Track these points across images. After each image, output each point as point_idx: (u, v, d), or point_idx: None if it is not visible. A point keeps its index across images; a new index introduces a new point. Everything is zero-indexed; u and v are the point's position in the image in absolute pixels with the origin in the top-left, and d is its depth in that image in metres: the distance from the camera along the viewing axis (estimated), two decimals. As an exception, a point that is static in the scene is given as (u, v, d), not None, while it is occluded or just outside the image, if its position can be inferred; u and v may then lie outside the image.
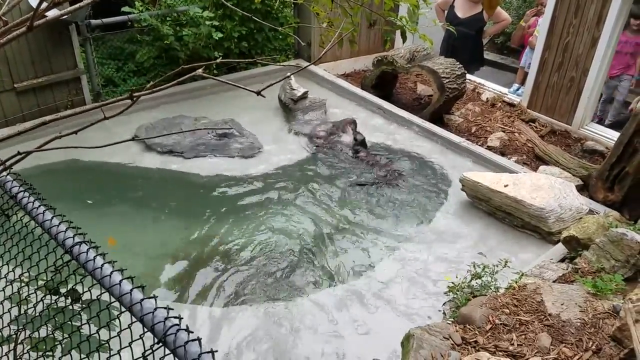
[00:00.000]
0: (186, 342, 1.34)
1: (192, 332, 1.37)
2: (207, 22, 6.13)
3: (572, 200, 4.67)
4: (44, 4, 1.90)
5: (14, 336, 1.93)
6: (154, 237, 4.57)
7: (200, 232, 4.64)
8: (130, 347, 1.50)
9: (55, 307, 1.80)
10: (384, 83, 7.17)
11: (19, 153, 1.82)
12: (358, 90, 7.10)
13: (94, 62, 6.15)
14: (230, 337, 3.63)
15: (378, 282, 4.18)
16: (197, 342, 1.34)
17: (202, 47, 6.33)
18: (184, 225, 4.71)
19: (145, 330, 1.44)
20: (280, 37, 7.42)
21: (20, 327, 1.94)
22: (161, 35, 6.18)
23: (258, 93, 1.72)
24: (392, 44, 7.54)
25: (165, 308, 1.44)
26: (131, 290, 1.52)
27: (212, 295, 3.99)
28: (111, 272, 1.58)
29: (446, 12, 7.32)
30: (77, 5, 2.11)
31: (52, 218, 1.86)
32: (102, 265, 1.61)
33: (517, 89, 7.13)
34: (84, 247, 1.69)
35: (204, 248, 4.45)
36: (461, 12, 7.17)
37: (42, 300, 1.85)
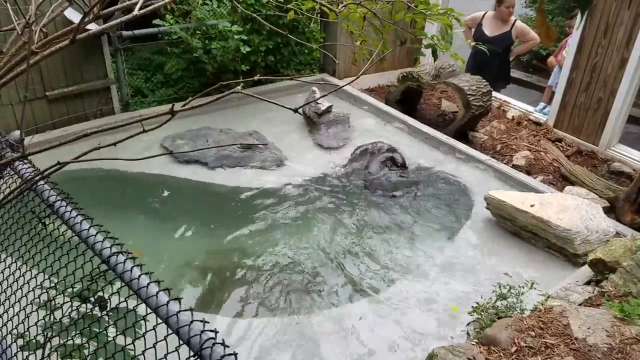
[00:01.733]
0: (222, 357, 1.35)
1: (229, 347, 1.38)
2: (236, 36, 6.21)
3: (598, 222, 4.61)
4: (86, 19, 1.96)
5: (47, 343, 1.96)
6: (178, 246, 4.61)
7: (223, 242, 4.67)
8: (166, 360, 1.52)
9: (90, 315, 1.83)
10: (408, 98, 7.18)
11: (58, 163, 1.86)
12: (382, 105, 7.12)
13: (124, 73, 6.26)
14: (253, 348, 3.63)
15: (401, 299, 4.15)
16: (233, 357, 1.35)
17: (229, 60, 6.42)
18: (207, 235, 4.75)
19: (181, 342, 1.46)
20: (306, 51, 7.49)
21: (52, 334, 1.97)
22: (190, 48, 6.28)
23: (295, 110, 1.74)
24: (419, 60, 7.56)
25: (201, 321, 1.45)
26: (168, 302, 1.53)
27: (234, 306, 4.01)
28: (148, 284, 1.60)
29: (474, 29, 7.33)
30: (118, 21, 2.17)
31: (89, 228, 1.89)
32: (139, 276, 1.63)
33: (544, 108, 7.08)
34: (122, 258, 1.72)
35: (226, 258, 4.48)
36: (489, 30, 7.19)
37: (77, 308, 1.87)
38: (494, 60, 7.19)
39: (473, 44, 6.58)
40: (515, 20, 7.26)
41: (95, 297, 1.97)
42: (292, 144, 6.27)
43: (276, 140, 6.23)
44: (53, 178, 2.24)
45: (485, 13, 7.32)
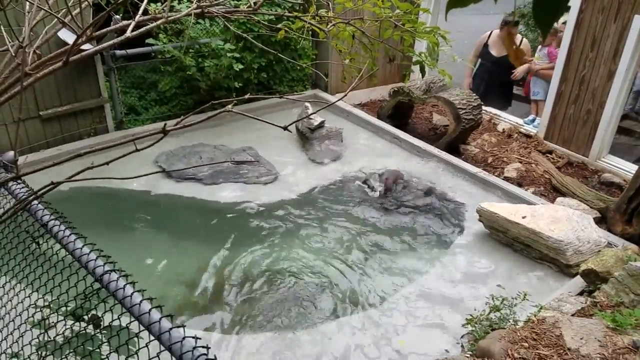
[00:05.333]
0: (214, 372, 1.37)
1: (220, 362, 1.40)
2: (229, 54, 6.28)
3: (590, 232, 4.65)
4: (79, 40, 1.99)
5: (41, 362, 1.97)
6: (172, 263, 4.61)
7: (218, 258, 4.68)
8: (158, 376, 1.53)
9: (84, 334, 1.84)
10: (400, 113, 7.25)
11: (51, 183, 1.89)
12: (374, 120, 7.18)
13: (118, 91, 6.31)
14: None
15: (394, 313, 4.17)
16: (225, 372, 1.37)
17: (222, 78, 6.48)
18: (201, 251, 4.75)
19: (174, 359, 1.48)
20: (298, 67, 7.56)
21: (47, 353, 1.98)
22: (183, 66, 6.33)
23: (285, 128, 1.77)
24: (408, 76, 7.67)
25: (193, 337, 1.47)
26: (160, 319, 1.55)
27: (229, 322, 4.01)
28: (141, 301, 1.62)
29: (480, 50, 7.57)
30: (111, 42, 2.21)
31: (82, 246, 1.91)
32: (132, 293, 1.65)
33: (533, 120, 7.17)
34: (114, 276, 1.74)
35: (221, 274, 4.48)
36: (495, 50, 7.42)
37: (71, 327, 1.89)
38: (499, 80, 7.42)
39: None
40: (522, 40, 7.41)
41: (89, 315, 1.98)
42: (286, 159, 6.31)
43: (270, 155, 6.27)
44: (47, 197, 2.26)
45: (491, 32, 7.50)
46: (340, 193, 5.74)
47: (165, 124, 1.69)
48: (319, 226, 5.18)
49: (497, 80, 7.49)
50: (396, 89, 6.96)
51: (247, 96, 1.88)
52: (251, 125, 6.77)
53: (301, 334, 3.92)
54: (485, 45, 7.48)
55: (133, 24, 2.05)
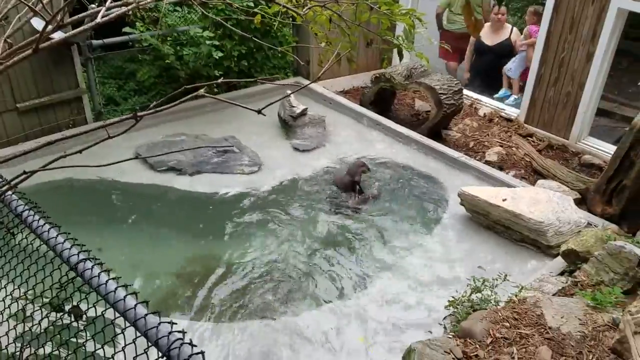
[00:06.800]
0: (190, 356, 1.37)
1: (196, 346, 1.39)
2: (207, 42, 6.21)
3: (570, 213, 4.71)
4: (49, 27, 1.96)
5: (19, 353, 1.95)
6: (155, 254, 4.59)
7: (201, 249, 4.67)
8: (135, 362, 1.53)
9: (60, 323, 1.83)
10: (382, 99, 7.24)
11: (24, 172, 1.86)
12: (357, 107, 7.17)
13: (95, 82, 6.22)
14: (230, 352, 3.64)
15: (377, 297, 4.19)
16: (200, 355, 1.37)
17: (202, 66, 6.41)
18: (185, 243, 4.73)
19: (150, 344, 1.47)
20: (280, 55, 7.51)
21: (25, 344, 1.96)
22: (162, 55, 6.25)
23: (259, 112, 1.76)
24: (389, 61, 7.67)
25: (169, 322, 1.47)
26: (135, 305, 1.55)
27: (213, 311, 4.00)
28: (116, 288, 1.61)
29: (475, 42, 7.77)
30: (81, 28, 2.17)
31: (57, 236, 1.89)
32: (107, 281, 1.64)
33: (509, 97, 7.25)
34: (89, 264, 1.72)
35: (204, 265, 4.47)
36: (488, 39, 7.61)
37: (47, 317, 1.87)
38: (495, 66, 7.56)
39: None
40: (513, 27, 7.58)
41: (70, 306, 1.96)
42: (269, 148, 6.28)
43: (252, 144, 6.23)
44: (27, 190, 2.23)
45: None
46: (323, 181, 5.73)
47: (136, 111, 1.68)
48: (302, 216, 5.17)
49: (493, 66, 7.69)
50: (378, 75, 6.95)
51: (219, 80, 1.86)
52: (234, 114, 6.71)
53: (288, 321, 3.93)
54: (479, 37, 7.66)
55: (103, 9, 2.02)
